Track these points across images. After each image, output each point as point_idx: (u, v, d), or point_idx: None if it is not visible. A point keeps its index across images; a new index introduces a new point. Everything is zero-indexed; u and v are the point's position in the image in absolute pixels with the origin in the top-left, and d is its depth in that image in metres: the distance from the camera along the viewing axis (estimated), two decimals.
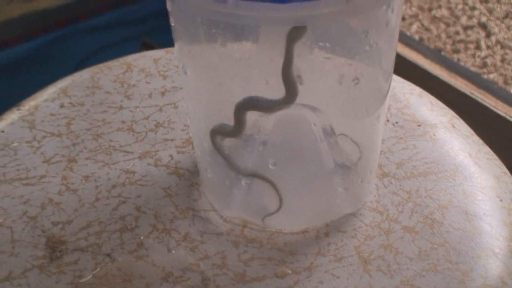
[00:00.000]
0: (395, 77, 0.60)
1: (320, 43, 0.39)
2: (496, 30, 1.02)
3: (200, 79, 0.43)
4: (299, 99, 0.40)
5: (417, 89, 0.59)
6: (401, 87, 0.59)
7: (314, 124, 0.44)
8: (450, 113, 0.57)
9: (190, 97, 0.45)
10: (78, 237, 0.47)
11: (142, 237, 0.47)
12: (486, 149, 0.54)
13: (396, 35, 0.43)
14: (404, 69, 0.92)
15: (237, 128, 0.42)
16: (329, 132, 0.44)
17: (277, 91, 0.39)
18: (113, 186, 0.51)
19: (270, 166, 0.44)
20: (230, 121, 0.42)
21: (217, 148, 0.44)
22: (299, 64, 0.38)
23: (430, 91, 0.60)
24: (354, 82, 0.41)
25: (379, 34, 0.40)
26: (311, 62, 0.40)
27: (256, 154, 0.44)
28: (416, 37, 1.02)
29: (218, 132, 0.43)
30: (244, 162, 0.45)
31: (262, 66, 0.40)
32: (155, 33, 1.26)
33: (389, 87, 0.45)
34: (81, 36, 1.38)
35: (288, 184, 0.45)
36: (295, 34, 0.37)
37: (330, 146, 0.45)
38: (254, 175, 0.44)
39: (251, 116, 0.42)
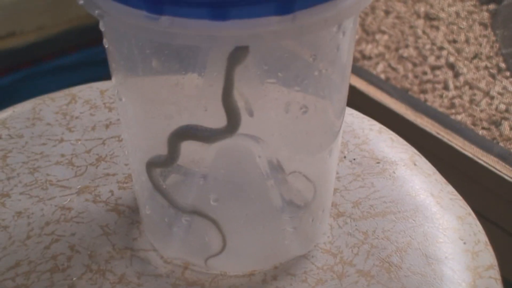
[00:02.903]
0: (354, 112, 0.57)
1: (264, 67, 0.36)
2: (464, 70, 1.00)
3: (135, 106, 0.39)
4: (242, 129, 0.36)
5: (377, 125, 0.56)
6: (360, 122, 0.56)
7: (259, 157, 0.40)
8: (411, 150, 0.54)
9: (126, 126, 0.41)
10: (5, 278, 0.43)
11: (74, 279, 0.43)
12: (449, 188, 0.51)
13: (349, 68, 0.40)
14: (369, 108, 0.89)
15: (170, 159, 0.38)
16: (276, 166, 0.41)
17: (218, 120, 0.36)
18: (47, 223, 0.47)
19: (212, 202, 0.40)
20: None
21: (154, 182, 0.40)
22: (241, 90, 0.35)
23: (395, 131, 0.57)
24: (302, 111, 0.38)
25: (329, 59, 0.37)
26: (255, 88, 0.37)
27: (196, 189, 0.41)
28: (383, 76, 0.99)
29: (153, 164, 0.40)
30: (184, 197, 0.41)
31: (201, 91, 0.37)
32: None
33: (342, 120, 0.42)
34: (45, 76, 1.36)
35: (232, 222, 0.42)
36: (236, 56, 0.34)
37: (277, 182, 0.41)
38: (194, 212, 0.41)
39: (190, 147, 0.38)
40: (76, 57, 1.40)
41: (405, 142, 0.55)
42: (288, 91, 0.37)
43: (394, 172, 0.51)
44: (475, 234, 0.47)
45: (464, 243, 0.46)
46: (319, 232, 0.45)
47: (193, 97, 0.38)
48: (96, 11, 0.34)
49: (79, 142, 0.54)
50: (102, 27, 0.37)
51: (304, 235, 0.44)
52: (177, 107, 0.38)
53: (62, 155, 0.52)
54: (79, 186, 0.50)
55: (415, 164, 0.52)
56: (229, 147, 0.39)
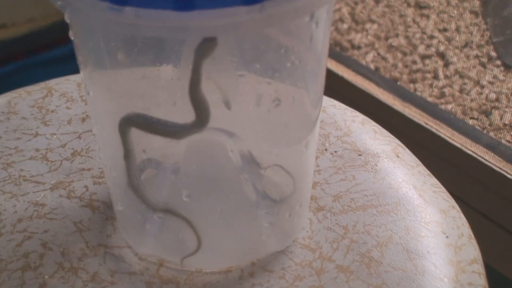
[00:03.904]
0: (336, 103, 0.56)
1: (235, 59, 0.35)
2: (454, 59, 0.99)
3: (103, 100, 0.38)
4: (213, 123, 0.35)
5: (360, 116, 0.55)
6: (343, 113, 0.55)
7: (231, 151, 0.39)
8: (395, 141, 0.53)
9: (95, 120, 0.40)
10: None
11: (46, 277, 0.42)
12: (433, 180, 0.50)
13: (325, 56, 0.39)
14: (357, 99, 0.88)
15: (126, 151, 0.37)
16: (249, 160, 0.40)
17: (188, 114, 0.35)
18: (19, 220, 0.46)
19: (184, 198, 0.39)
20: None
21: (130, 177, 0.39)
22: (209, 84, 0.34)
23: (383, 121, 0.55)
24: (275, 104, 0.37)
25: (302, 50, 0.36)
26: (226, 80, 0.35)
27: (169, 185, 0.40)
28: (372, 66, 0.98)
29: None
30: (156, 194, 0.40)
31: (170, 85, 0.36)
32: None
33: (318, 111, 0.40)
34: (38, 68, 1.34)
35: (206, 218, 0.40)
36: (204, 48, 0.33)
37: (251, 176, 0.40)
38: (166, 210, 0.40)
39: (160, 141, 0.37)
40: (68, 48, 1.38)
41: (388, 134, 0.54)
42: (260, 83, 0.36)
43: (376, 165, 0.50)
44: (458, 227, 0.46)
45: (447, 237, 0.45)
46: (297, 227, 0.44)
47: (162, 91, 0.36)
48: (59, 3, 0.33)
49: (54, 136, 0.52)
50: (67, 19, 0.36)
51: (281, 230, 0.43)
52: (146, 102, 0.37)
53: (37, 150, 0.51)
54: (53, 182, 0.48)
55: (398, 156, 0.51)
56: (200, 141, 0.38)
